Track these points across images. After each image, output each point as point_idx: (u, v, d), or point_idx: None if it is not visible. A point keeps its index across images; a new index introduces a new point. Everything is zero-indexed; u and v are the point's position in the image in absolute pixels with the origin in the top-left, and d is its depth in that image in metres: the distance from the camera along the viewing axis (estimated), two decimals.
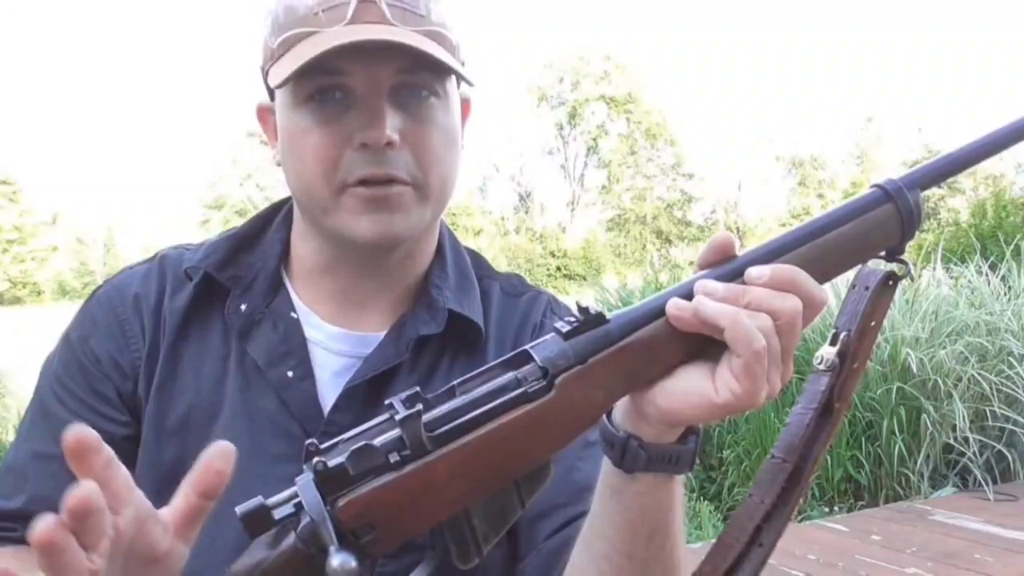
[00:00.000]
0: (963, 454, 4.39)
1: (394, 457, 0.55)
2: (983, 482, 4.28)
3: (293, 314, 0.88)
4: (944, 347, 4.49)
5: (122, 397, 0.86)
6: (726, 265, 0.62)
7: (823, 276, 0.63)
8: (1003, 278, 5.33)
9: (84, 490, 0.46)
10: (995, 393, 4.44)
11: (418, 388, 0.58)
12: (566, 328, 0.60)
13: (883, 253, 0.66)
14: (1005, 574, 3.24)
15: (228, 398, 0.85)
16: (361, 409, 0.83)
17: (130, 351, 0.87)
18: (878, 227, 0.64)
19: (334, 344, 0.88)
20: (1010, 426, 4.43)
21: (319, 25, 0.78)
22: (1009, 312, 4.78)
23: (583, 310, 0.60)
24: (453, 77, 0.84)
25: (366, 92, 0.79)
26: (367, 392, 0.85)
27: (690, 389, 0.60)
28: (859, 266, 0.67)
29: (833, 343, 0.66)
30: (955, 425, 4.35)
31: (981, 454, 4.39)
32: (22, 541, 0.82)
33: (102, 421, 0.85)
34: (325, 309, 0.89)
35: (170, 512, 0.54)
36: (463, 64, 0.86)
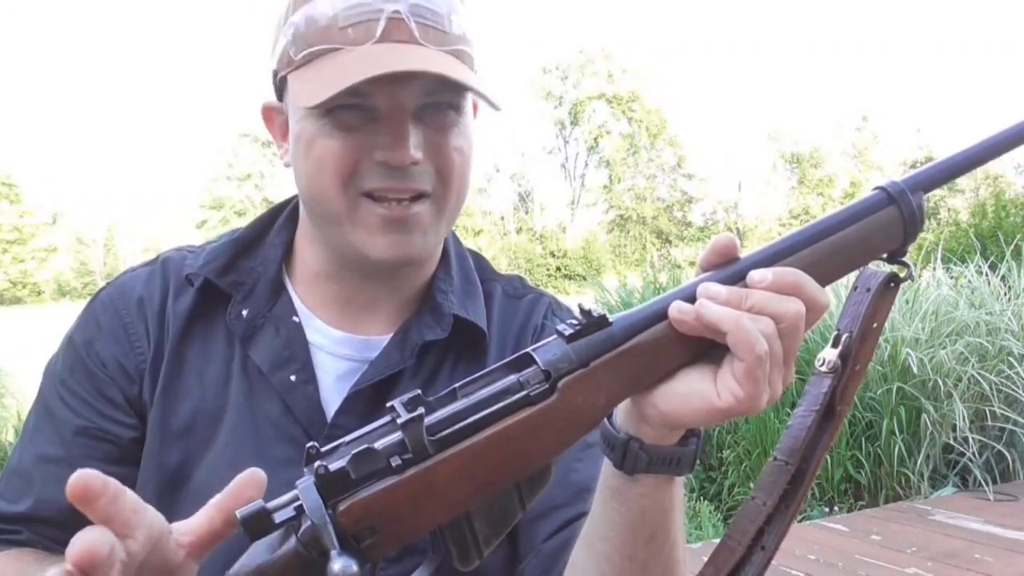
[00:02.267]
0: (963, 454, 4.39)
1: (396, 461, 0.55)
2: (983, 482, 4.29)
3: (295, 318, 0.88)
4: (944, 347, 4.49)
5: (128, 400, 0.86)
6: (728, 268, 0.62)
7: (825, 279, 0.62)
8: (1003, 278, 5.33)
9: (86, 544, 0.46)
10: (995, 393, 4.44)
11: (419, 391, 0.57)
12: (569, 331, 0.59)
13: (885, 255, 0.66)
14: (1005, 574, 3.24)
15: (232, 402, 0.85)
16: (365, 413, 0.83)
17: (135, 354, 0.86)
18: (881, 230, 0.64)
19: (337, 348, 0.88)
20: (1010, 426, 4.43)
21: (345, 42, 0.77)
22: (1009, 312, 4.78)
23: (585, 312, 0.60)
24: None
25: (390, 112, 0.79)
26: (371, 396, 0.85)
27: (692, 392, 0.60)
28: (860, 268, 0.66)
29: (835, 345, 0.65)
30: (955, 425, 4.35)
31: (981, 454, 4.40)
32: (26, 544, 0.82)
33: (109, 424, 0.85)
34: (328, 313, 0.89)
35: (189, 529, 0.53)
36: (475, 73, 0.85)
